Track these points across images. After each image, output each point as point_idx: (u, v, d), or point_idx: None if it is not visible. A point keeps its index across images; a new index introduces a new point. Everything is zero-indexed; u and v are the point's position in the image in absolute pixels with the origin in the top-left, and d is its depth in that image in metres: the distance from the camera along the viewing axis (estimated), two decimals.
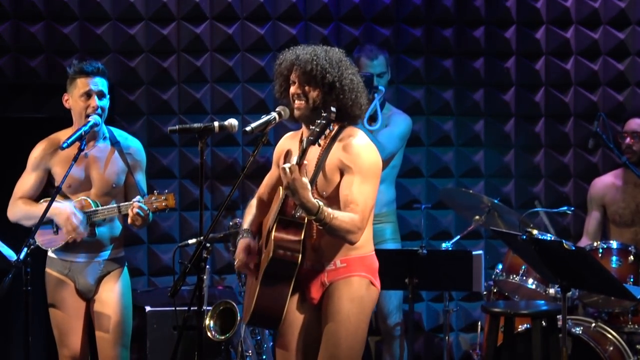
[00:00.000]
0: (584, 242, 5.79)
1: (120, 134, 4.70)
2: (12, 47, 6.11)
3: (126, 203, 4.47)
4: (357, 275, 3.81)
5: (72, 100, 4.56)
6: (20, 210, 4.59)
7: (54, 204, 4.42)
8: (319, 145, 3.72)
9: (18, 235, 4.44)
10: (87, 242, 4.55)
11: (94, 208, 4.51)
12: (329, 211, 3.63)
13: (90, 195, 4.56)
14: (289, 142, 4.01)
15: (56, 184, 4.51)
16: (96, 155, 4.60)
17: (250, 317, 3.83)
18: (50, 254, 4.65)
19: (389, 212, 5.82)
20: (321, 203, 3.62)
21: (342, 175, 3.74)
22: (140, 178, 4.66)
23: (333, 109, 3.54)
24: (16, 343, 6.03)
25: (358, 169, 3.70)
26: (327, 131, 3.63)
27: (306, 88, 3.76)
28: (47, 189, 4.63)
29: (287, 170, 3.53)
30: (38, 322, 4.74)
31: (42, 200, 4.59)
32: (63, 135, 4.54)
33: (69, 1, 6.14)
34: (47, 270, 4.65)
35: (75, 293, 4.62)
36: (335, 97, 3.74)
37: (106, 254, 4.63)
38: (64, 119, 4.70)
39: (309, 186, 3.57)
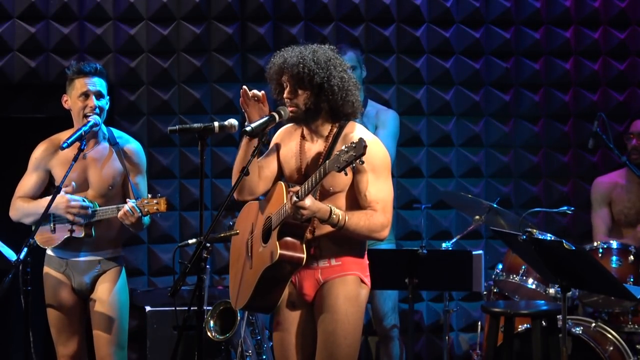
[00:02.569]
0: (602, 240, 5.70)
1: (120, 135, 4.68)
2: (12, 47, 6.12)
3: (122, 204, 4.45)
4: (351, 274, 3.82)
5: (71, 100, 4.55)
6: (19, 208, 4.60)
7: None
8: (325, 146, 3.78)
9: (18, 235, 4.44)
10: (84, 241, 4.55)
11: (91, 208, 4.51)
12: (342, 214, 3.66)
13: (88, 196, 4.54)
14: (288, 135, 3.99)
15: (56, 184, 4.50)
16: (94, 157, 4.58)
17: (244, 307, 3.92)
18: (48, 251, 4.65)
19: None
20: (332, 207, 3.66)
21: (352, 170, 3.65)
22: (140, 180, 4.63)
23: (364, 143, 3.44)
24: (16, 343, 6.03)
25: (370, 167, 3.69)
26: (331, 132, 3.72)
27: (297, 91, 3.77)
28: (49, 190, 4.62)
29: (298, 210, 3.57)
30: (38, 322, 4.73)
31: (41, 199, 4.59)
32: (64, 136, 4.53)
33: (69, 1, 6.15)
34: (45, 268, 4.65)
35: (72, 292, 4.62)
36: (325, 98, 3.75)
37: (103, 253, 4.62)
38: (64, 119, 4.69)
39: (315, 205, 3.61)
